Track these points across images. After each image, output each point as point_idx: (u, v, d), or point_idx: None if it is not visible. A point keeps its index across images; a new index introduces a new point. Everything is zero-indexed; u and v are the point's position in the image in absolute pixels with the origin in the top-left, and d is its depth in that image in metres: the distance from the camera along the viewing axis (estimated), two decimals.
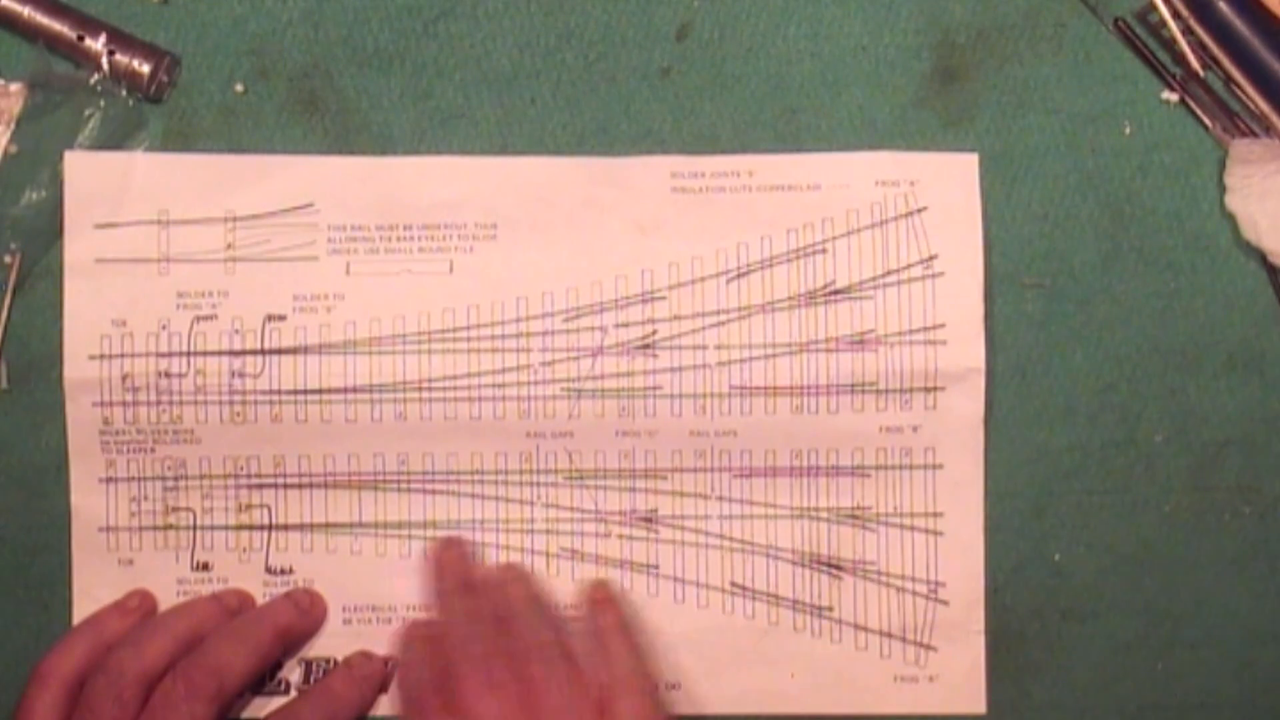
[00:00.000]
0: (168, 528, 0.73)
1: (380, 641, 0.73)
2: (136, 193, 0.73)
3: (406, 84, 0.74)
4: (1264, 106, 0.73)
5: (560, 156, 0.74)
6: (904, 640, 0.73)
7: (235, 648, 0.69)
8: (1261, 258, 0.73)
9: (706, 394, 0.73)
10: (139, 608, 0.72)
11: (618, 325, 0.73)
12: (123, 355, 0.73)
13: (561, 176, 0.74)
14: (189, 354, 0.73)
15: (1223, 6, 0.72)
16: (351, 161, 0.74)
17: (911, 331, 0.73)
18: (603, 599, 0.73)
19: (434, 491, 0.73)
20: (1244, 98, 0.73)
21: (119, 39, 0.73)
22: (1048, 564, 0.74)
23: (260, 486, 0.73)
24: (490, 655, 0.67)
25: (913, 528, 0.73)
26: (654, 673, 0.72)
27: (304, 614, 0.73)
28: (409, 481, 0.73)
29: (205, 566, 0.74)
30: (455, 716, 0.65)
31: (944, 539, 0.73)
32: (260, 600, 0.74)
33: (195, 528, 0.74)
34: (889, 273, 0.73)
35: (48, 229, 0.73)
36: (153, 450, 0.73)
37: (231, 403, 0.73)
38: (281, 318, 0.73)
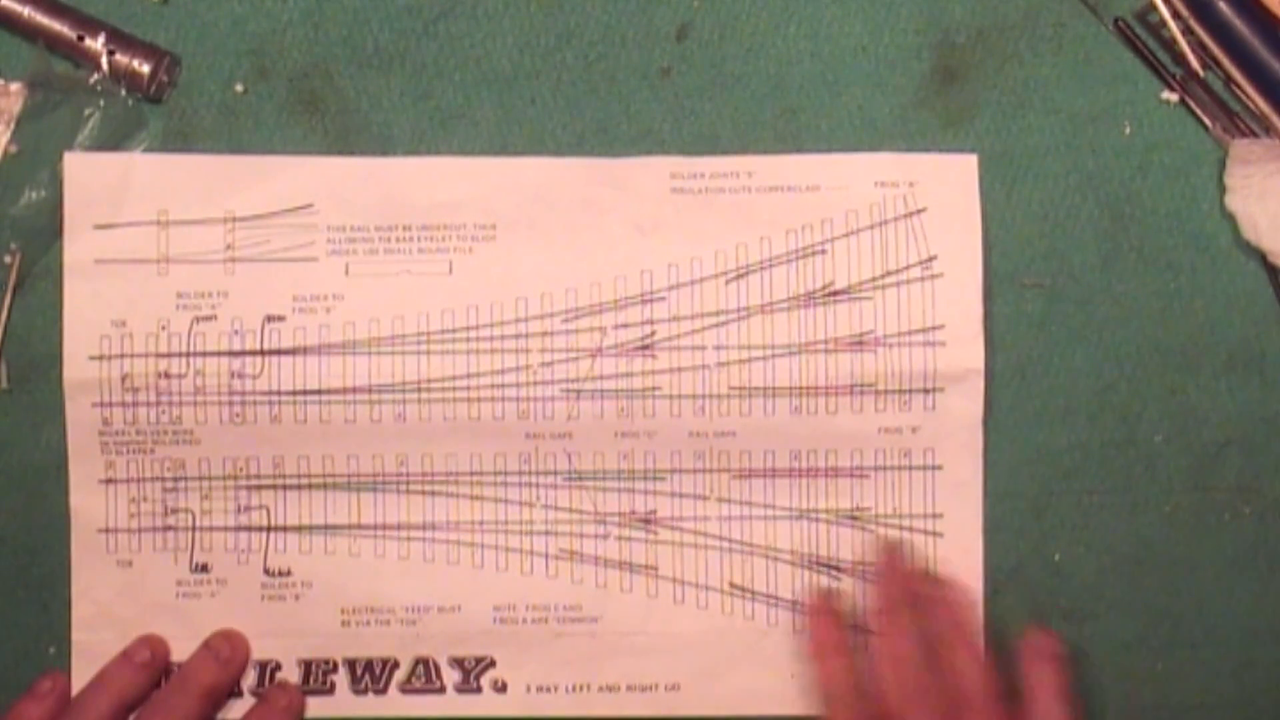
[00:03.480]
0: (167, 529, 0.73)
1: (378, 642, 0.73)
2: (136, 193, 0.73)
3: (406, 84, 0.74)
4: (1264, 106, 0.73)
5: (560, 157, 0.74)
6: None
7: None
8: (1261, 258, 0.73)
9: (705, 395, 0.73)
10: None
11: (617, 326, 0.73)
12: (122, 356, 0.73)
13: (561, 177, 0.74)
14: (189, 354, 0.73)
15: (1223, 6, 0.72)
16: (351, 162, 0.74)
17: (911, 332, 0.73)
18: (1044, 653, 0.71)
19: (433, 493, 0.73)
20: (1244, 98, 0.73)
21: (119, 39, 0.73)
22: (1048, 564, 0.74)
23: (259, 488, 0.73)
24: (925, 691, 0.69)
25: (912, 529, 0.73)
26: None
27: (226, 664, 0.73)
28: (408, 483, 0.73)
29: (204, 568, 0.74)
30: None
31: (943, 540, 0.73)
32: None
33: (194, 529, 0.74)
34: (888, 274, 0.73)
35: (48, 229, 0.73)
36: (152, 451, 0.73)
37: (231, 403, 0.73)
38: (281, 318, 0.73)
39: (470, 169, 0.74)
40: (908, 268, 0.73)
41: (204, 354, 0.73)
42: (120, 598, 0.73)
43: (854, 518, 0.73)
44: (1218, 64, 0.73)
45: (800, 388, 0.73)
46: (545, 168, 0.74)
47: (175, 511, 0.73)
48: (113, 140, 0.73)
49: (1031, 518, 0.74)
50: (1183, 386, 0.74)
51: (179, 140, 0.74)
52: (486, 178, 0.74)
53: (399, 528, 0.74)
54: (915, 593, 0.72)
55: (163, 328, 0.73)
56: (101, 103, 0.73)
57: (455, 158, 0.74)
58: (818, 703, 0.72)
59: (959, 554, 0.73)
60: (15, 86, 0.73)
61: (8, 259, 0.73)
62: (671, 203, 0.73)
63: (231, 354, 0.73)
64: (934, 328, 0.73)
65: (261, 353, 0.73)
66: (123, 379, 0.73)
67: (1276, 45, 0.72)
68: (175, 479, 0.73)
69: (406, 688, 0.74)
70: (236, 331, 0.73)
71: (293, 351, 0.73)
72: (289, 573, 0.74)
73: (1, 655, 0.74)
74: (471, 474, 0.73)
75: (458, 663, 0.74)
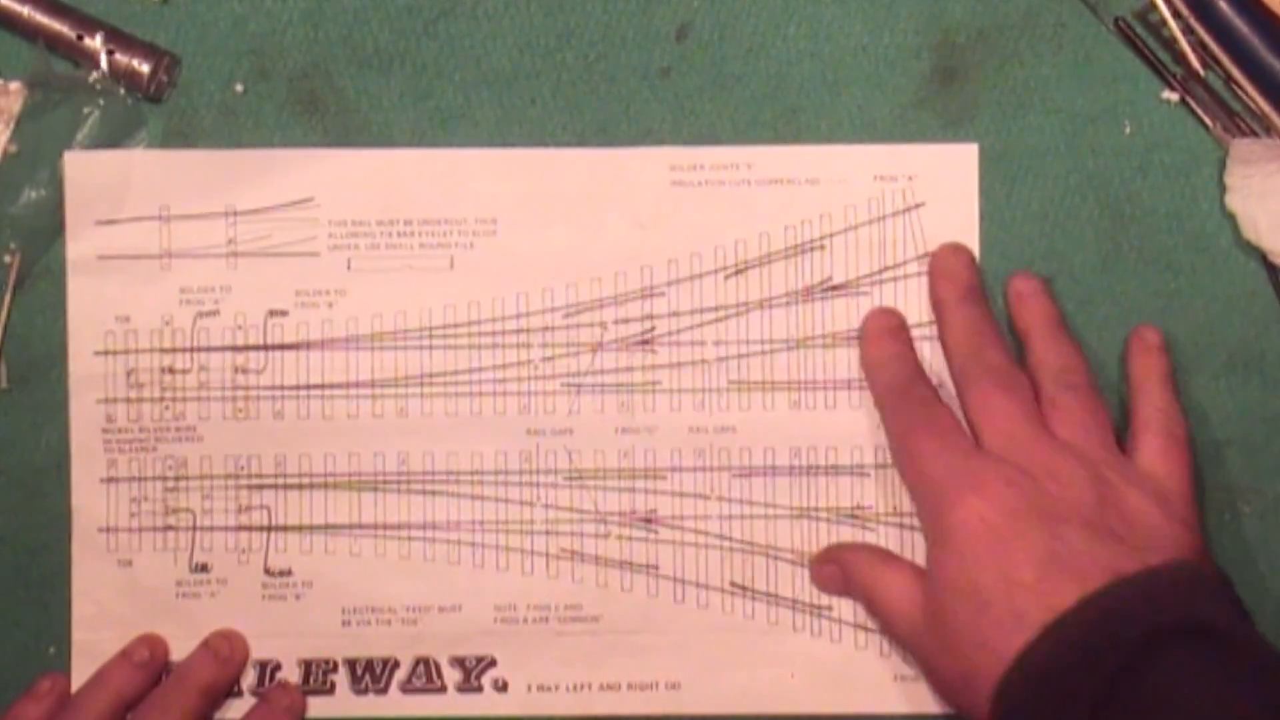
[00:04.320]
0: (167, 529, 0.73)
1: (378, 642, 0.73)
2: (137, 189, 0.73)
3: (406, 84, 0.74)
4: (1264, 106, 0.73)
5: (559, 148, 0.74)
6: None
7: None
8: (1261, 258, 0.73)
9: (705, 389, 0.73)
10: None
11: (617, 321, 0.73)
12: (127, 351, 0.73)
13: (560, 167, 0.74)
14: (192, 350, 0.73)
15: (1223, 6, 0.72)
16: (350, 154, 0.74)
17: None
18: (1151, 344, 0.72)
19: (434, 492, 0.73)
20: (1244, 98, 0.73)
21: (118, 38, 0.73)
22: None
23: (260, 487, 0.73)
24: (996, 365, 0.69)
25: (912, 527, 0.73)
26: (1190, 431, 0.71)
27: (225, 663, 0.72)
28: (408, 482, 0.73)
29: (204, 568, 0.74)
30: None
31: None
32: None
33: (195, 529, 0.73)
34: (886, 269, 0.73)
35: (48, 228, 0.73)
36: (154, 449, 0.73)
37: (234, 399, 0.73)
38: (284, 313, 0.73)
39: (470, 160, 0.74)
40: (905, 263, 0.73)
41: (208, 349, 0.73)
42: (120, 598, 0.73)
43: (854, 517, 0.73)
44: (1218, 64, 0.73)
45: (799, 382, 0.73)
46: (545, 158, 0.74)
47: (176, 511, 0.73)
48: (112, 140, 0.73)
49: None
50: (1183, 386, 0.74)
51: (179, 140, 0.74)
52: (486, 169, 0.74)
53: (399, 527, 0.74)
54: (976, 286, 0.73)
55: (166, 323, 0.73)
56: (101, 102, 0.73)
57: (455, 150, 0.74)
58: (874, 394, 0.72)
59: None
60: (15, 86, 0.73)
61: (7, 259, 0.73)
62: (671, 196, 0.73)
63: (235, 349, 0.73)
64: (930, 322, 0.73)
65: (265, 347, 0.73)
66: (128, 374, 0.73)
67: (1276, 45, 0.72)
68: (176, 478, 0.73)
69: (407, 687, 0.74)
70: (239, 326, 0.73)
71: (295, 346, 0.73)
72: (289, 572, 0.74)
73: (1, 655, 0.74)
74: (472, 473, 0.73)
75: (458, 662, 0.74)
